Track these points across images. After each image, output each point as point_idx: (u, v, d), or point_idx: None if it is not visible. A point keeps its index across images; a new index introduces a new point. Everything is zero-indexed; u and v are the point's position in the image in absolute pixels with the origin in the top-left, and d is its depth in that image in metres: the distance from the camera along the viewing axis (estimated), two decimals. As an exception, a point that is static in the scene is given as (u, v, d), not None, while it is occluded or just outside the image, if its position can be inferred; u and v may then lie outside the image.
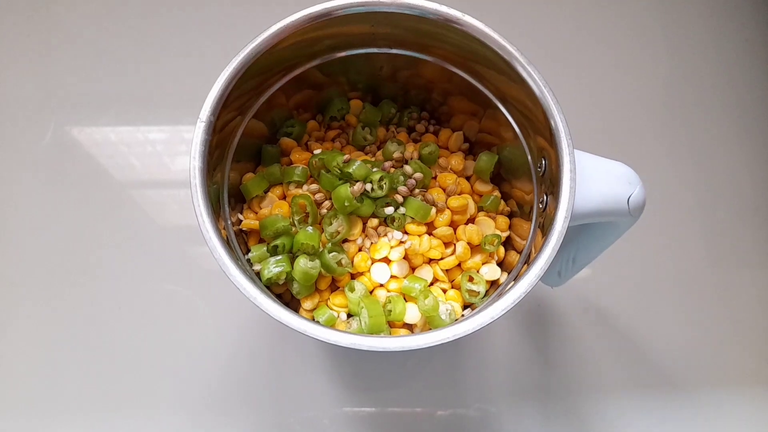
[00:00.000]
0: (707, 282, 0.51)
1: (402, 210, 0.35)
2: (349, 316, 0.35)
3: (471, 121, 0.40)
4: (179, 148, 0.56)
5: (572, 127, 0.30)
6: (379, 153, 0.39)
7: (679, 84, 0.58)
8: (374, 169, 0.35)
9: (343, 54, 0.37)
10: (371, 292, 0.35)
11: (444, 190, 0.37)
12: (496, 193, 0.38)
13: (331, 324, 0.34)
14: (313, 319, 0.34)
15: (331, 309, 0.34)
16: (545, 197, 0.32)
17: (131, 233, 0.52)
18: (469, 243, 0.36)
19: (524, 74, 0.31)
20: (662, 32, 0.60)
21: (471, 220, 0.37)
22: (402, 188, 0.35)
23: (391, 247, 0.35)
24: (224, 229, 0.33)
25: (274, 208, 0.36)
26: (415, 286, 0.34)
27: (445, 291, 0.36)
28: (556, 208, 0.29)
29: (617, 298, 0.51)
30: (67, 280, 0.51)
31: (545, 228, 0.31)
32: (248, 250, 0.35)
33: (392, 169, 0.37)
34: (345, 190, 0.33)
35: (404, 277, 0.35)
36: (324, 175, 0.35)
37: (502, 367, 0.49)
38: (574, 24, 0.61)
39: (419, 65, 0.38)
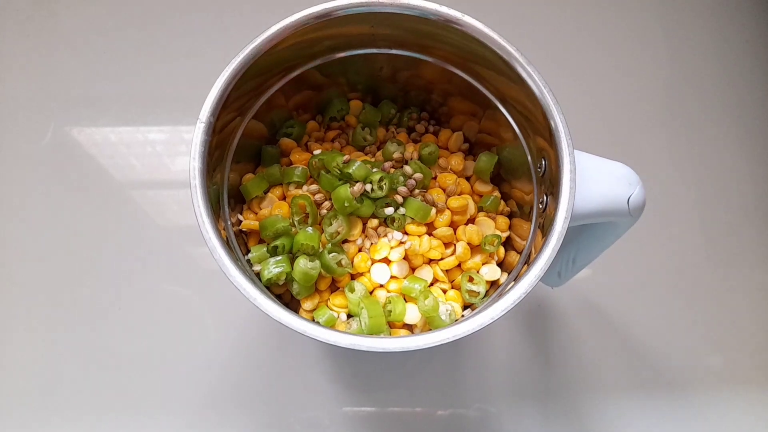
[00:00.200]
0: (707, 282, 0.51)
1: (402, 210, 0.35)
2: (349, 316, 0.35)
3: (471, 122, 0.40)
4: (179, 148, 0.56)
5: (572, 127, 0.30)
6: (379, 153, 0.39)
7: (678, 84, 0.58)
8: (374, 170, 0.35)
9: (342, 55, 0.37)
10: (371, 293, 0.35)
11: (444, 190, 0.37)
12: (496, 193, 0.38)
13: (331, 324, 0.34)
14: (313, 320, 0.34)
15: (331, 309, 0.34)
16: (545, 197, 0.32)
17: (131, 233, 0.52)
18: (469, 243, 0.36)
19: (524, 74, 0.31)
20: (662, 32, 0.60)
21: (471, 221, 0.37)
22: (402, 189, 0.35)
23: (391, 248, 0.35)
24: (224, 229, 0.33)
25: (273, 209, 0.36)
26: (415, 286, 0.34)
27: (445, 291, 0.36)
28: (556, 208, 0.29)
29: (617, 298, 0.51)
30: (66, 281, 0.51)
31: (545, 228, 0.31)
32: (248, 251, 0.35)
33: (392, 170, 0.37)
34: (345, 191, 0.33)
35: (404, 278, 0.35)
36: (324, 175, 0.35)
37: (502, 367, 0.49)
38: (573, 24, 0.61)
39: (419, 66, 0.37)
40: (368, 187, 0.34)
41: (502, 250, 0.37)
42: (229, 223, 0.34)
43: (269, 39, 0.32)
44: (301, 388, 0.48)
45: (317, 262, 0.33)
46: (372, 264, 0.35)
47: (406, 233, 0.35)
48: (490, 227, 0.37)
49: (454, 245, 0.36)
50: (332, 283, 0.36)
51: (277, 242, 0.34)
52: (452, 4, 0.32)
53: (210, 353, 0.49)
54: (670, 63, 0.59)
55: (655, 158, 0.55)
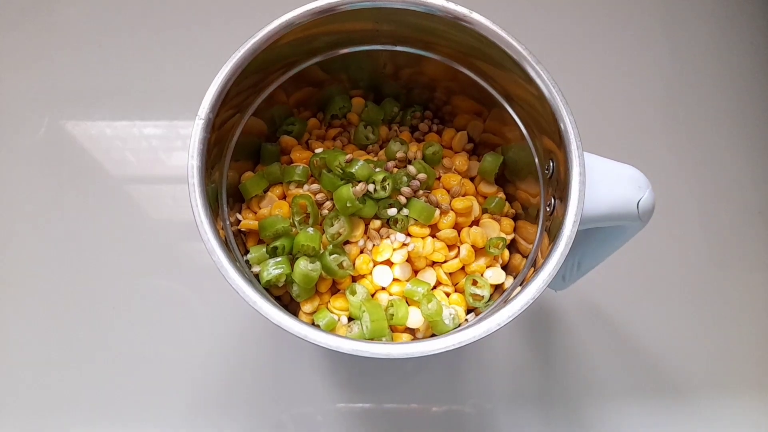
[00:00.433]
0: (710, 286, 0.51)
1: (405, 211, 0.34)
2: (350, 319, 0.34)
3: (475, 121, 0.39)
4: (175, 143, 0.55)
5: (579, 127, 0.29)
6: (382, 152, 0.38)
7: (683, 86, 0.58)
8: (377, 170, 0.34)
9: (345, 51, 0.36)
10: (373, 296, 0.35)
11: (448, 191, 0.36)
12: (501, 194, 0.38)
13: (331, 328, 0.33)
14: (313, 323, 0.33)
15: (332, 312, 0.34)
16: (553, 200, 0.31)
17: (126, 229, 0.52)
18: (473, 246, 0.35)
19: (533, 74, 0.31)
20: (667, 35, 0.60)
21: (475, 223, 0.37)
22: (405, 189, 0.34)
23: (394, 250, 0.34)
24: (222, 229, 0.32)
25: (273, 209, 0.35)
26: (418, 289, 0.33)
27: (448, 295, 0.35)
28: (564, 212, 0.28)
29: (619, 301, 0.50)
30: (60, 276, 0.50)
31: (552, 232, 0.30)
32: (247, 251, 0.34)
33: (395, 170, 0.36)
34: (347, 191, 0.33)
35: (407, 281, 0.35)
36: (325, 174, 0.35)
37: (500, 366, 0.48)
38: (579, 24, 0.61)
39: (423, 63, 0.37)
40: (371, 187, 0.33)
41: (506, 253, 0.37)
42: (227, 222, 0.34)
43: (270, 34, 0.31)
44: (294, 385, 0.47)
45: (318, 264, 0.33)
46: (374, 266, 0.35)
47: (409, 235, 0.35)
48: (494, 229, 0.36)
49: (458, 248, 0.35)
50: (333, 285, 0.35)
51: (277, 243, 0.33)
52: (458, 0, 0.31)
53: (204, 349, 0.48)
54: (675, 65, 0.59)
55: (658, 160, 0.55)
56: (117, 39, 0.59)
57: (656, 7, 0.61)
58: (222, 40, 0.54)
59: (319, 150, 0.37)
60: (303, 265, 0.32)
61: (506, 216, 0.38)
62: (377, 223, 0.35)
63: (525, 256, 0.35)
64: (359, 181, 0.33)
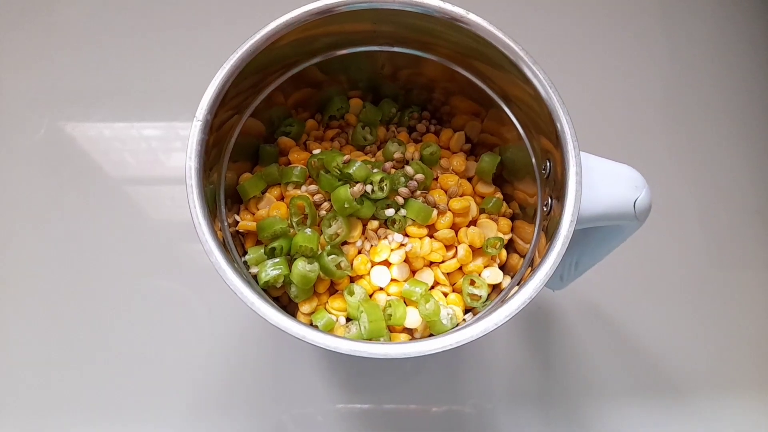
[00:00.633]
0: (709, 285, 0.51)
1: (403, 212, 0.34)
2: (348, 320, 0.34)
3: (473, 121, 0.39)
4: (174, 144, 0.55)
5: (576, 127, 0.29)
6: (379, 153, 0.38)
7: (682, 86, 0.58)
8: (374, 170, 0.34)
9: (343, 52, 0.36)
10: (371, 296, 0.35)
11: (446, 191, 0.36)
12: (499, 195, 0.38)
13: (329, 328, 0.33)
14: (312, 324, 0.33)
15: (330, 313, 0.34)
16: (550, 200, 0.31)
17: (126, 229, 0.52)
18: (470, 246, 0.35)
19: (529, 74, 0.31)
20: (666, 35, 0.60)
21: (473, 223, 0.37)
22: (403, 190, 0.34)
23: (392, 250, 0.34)
24: (220, 230, 0.33)
25: (271, 210, 0.35)
26: (416, 289, 0.33)
27: (446, 295, 0.35)
28: (561, 212, 0.28)
29: (618, 300, 0.50)
30: (60, 277, 0.50)
31: (550, 232, 0.30)
32: (245, 252, 0.34)
33: (393, 170, 0.36)
34: (345, 192, 0.33)
35: (405, 281, 0.35)
36: (323, 175, 0.35)
37: (499, 366, 0.48)
38: (576, 24, 0.61)
39: (421, 64, 0.37)
40: (368, 188, 0.33)
41: (504, 253, 0.37)
42: (225, 223, 0.34)
43: (269, 35, 0.31)
44: (294, 385, 0.47)
45: (316, 265, 0.33)
46: (372, 266, 0.35)
47: (406, 235, 0.35)
48: (492, 230, 0.36)
49: (456, 248, 0.35)
50: (331, 285, 0.35)
51: (275, 244, 0.33)
52: (456, 1, 0.32)
53: (204, 349, 0.48)
54: (673, 65, 0.59)
55: (656, 160, 0.55)
56: (116, 40, 0.59)
57: (654, 7, 0.61)
58: (221, 41, 0.53)
59: (317, 151, 0.37)
60: (301, 265, 0.32)
61: (504, 216, 0.38)
62: (375, 223, 0.35)
63: (522, 256, 0.35)
64: (357, 182, 0.33)
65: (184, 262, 0.51)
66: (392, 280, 0.35)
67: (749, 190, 0.54)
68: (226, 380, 0.47)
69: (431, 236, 0.35)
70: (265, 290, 0.33)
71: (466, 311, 0.35)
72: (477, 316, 0.33)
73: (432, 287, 0.35)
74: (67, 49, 0.58)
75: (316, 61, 0.36)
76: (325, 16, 0.32)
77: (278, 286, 0.33)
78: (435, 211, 0.35)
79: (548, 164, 0.32)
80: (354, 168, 0.33)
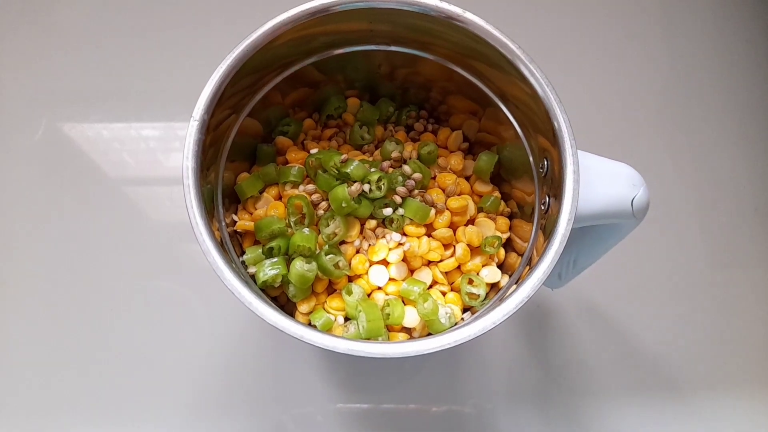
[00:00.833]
0: (707, 284, 0.51)
1: (400, 211, 0.34)
2: (347, 319, 0.34)
3: (470, 120, 0.39)
4: (173, 144, 0.55)
5: (573, 126, 0.29)
6: (377, 152, 0.38)
7: (679, 84, 0.58)
8: (372, 170, 0.34)
9: (340, 51, 0.36)
10: (369, 295, 0.35)
11: (443, 190, 0.36)
12: (496, 193, 0.38)
13: (327, 328, 0.33)
14: (310, 323, 0.33)
15: (328, 312, 0.34)
16: (547, 199, 0.31)
17: (125, 230, 0.52)
18: (468, 245, 0.35)
19: (526, 73, 0.31)
20: (663, 32, 0.60)
21: (471, 222, 0.37)
22: (401, 189, 0.34)
23: (390, 249, 0.34)
24: (218, 230, 0.33)
25: (269, 209, 0.35)
26: (414, 289, 0.33)
27: (444, 294, 0.35)
28: (559, 210, 0.28)
29: (617, 299, 0.50)
30: (60, 277, 0.50)
31: (547, 230, 0.30)
32: (243, 252, 0.34)
33: (390, 169, 0.36)
34: (342, 191, 0.33)
35: (403, 280, 0.35)
36: (321, 175, 0.35)
37: (499, 366, 0.48)
38: (573, 22, 0.60)
39: (418, 63, 0.37)
40: (366, 187, 0.33)
41: (502, 251, 0.37)
42: (223, 223, 0.34)
43: (265, 35, 0.31)
44: (293, 385, 0.47)
45: (314, 264, 0.33)
46: (370, 266, 0.35)
47: (404, 234, 0.35)
48: (490, 228, 0.36)
49: (454, 247, 0.35)
50: (329, 285, 0.35)
51: (273, 243, 0.33)
52: (452, 0, 0.32)
53: (204, 350, 0.48)
54: (670, 63, 0.59)
55: (654, 159, 0.55)
56: (115, 40, 0.59)
57: (652, 5, 0.61)
58: (219, 41, 0.53)
59: (314, 150, 0.37)
60: (299, 265, 0.32)
61: (501, 215, 0.38)
62: (373, 223, 0.35)
63: (520, 255, 0.35)
64: (355, 181, 0.33)
65: (183, 262, 0.51)
66: (390, 279, 0.35)
67: (747, 188, 0.54)
68: (225, 380, 0.47)
69: (429, 235, 0.35)
70: (263, 290, 0.33)
71: (464, 310, 0.35)
72: (475, 315, 0.33)
73: (430, 286, 0.35)
74: (65, 50, 0.58)
75: (313, 61, 0.36)
76: (321, 15, 0.32)
77: (276, 285, 0.33)
78: (433, 210, 0.35)
79: (546, 163, 0.32)
80: (352, 167, 0.33)
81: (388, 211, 0.34)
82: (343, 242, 0.35)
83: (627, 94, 0.57)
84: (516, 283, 0.32)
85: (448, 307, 0.34)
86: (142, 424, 0.46)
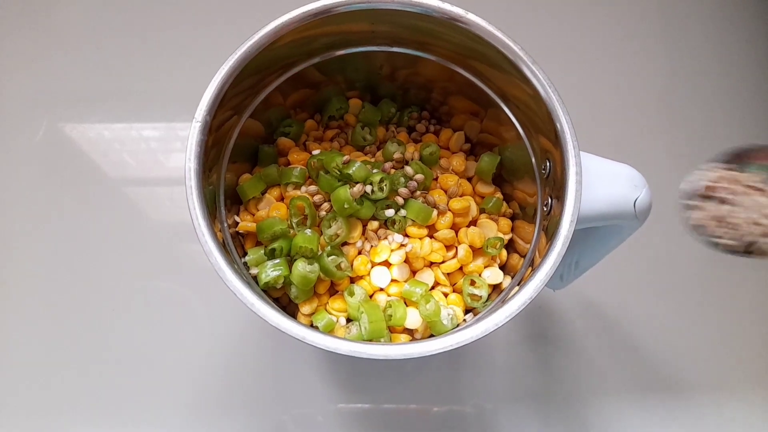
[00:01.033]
0: (709, 285, 0.51)
1: (403, 212, 0.34)
2: (349, 320, 0.34)
3: (472, 121, 0.39)
4: (174, 145, 0.55)
5: (575, 127, 0.29)
6: (379, 153, 0.38)
7: (680, 85, 0.58)
8: (374, 171, 0.34)
9: (341, 52, 0.36)
10: (371, 297, 0.35)
11: (445, 191, 0.36)
12: (498, 194, 0.38)
13: (330, 329, 0.33)
14: (312, 325, 0.33)
15: (330, 314, 0.34)
16: (550, 200, 0.31)
17: (126, 230, 0.52)
18: (470, 246, 0.35)
19: (529, 74, 0.31)
20: (664, 33, 0.60)
21: (473, 223, 0.37)
22: (403, 190, 0.34)
23: (392, 251, 0.34)
24: (220, 231, 0.32)
25: (271, 210, 0.35)
26: (416, 290, 0.33)
27: (446, 295, 0.35)
28: (561, 211, 0.28)
29: (618, 300, 0.50)
30: (60, 277, 0.50)
31: (550, 232, 0.30)
32: (245, 253, 0.34)
33: (392, 170, 0.36)
34: (344, 192, 0.33)
35: (405, 281, 0.35)
36: (323, 176, 0.35)
37: (500, 366, 0.48)
38: (576, 24, 0.60)
39: (419, 64, 0.37)
40: (368, 188, 0.33)
41: (504, 253, 0.37)
42: (225, 224, 0.34)
43: (267, 36, 0.31)
44: (294, 385, 0.47)
45: (316, 265, 0.33)
46: (372, 267, 0.35)
47: (406, 235, 0.35)
48: (492, 229, 0.36)
49: (456, 248, 0.35)
50: (331, 286, 0.35)
51: (275, 245, 0.33)
52: (454, 1, 0.31)
53: (204, 350, 0.48)
54: (670, 63, 0.59)
55: (656, 160, 0.55)
56: (115, 41, 0.59)
57: (652, 6, 0.61)
58: (220, 41, 0.53)
59: (316, 151, 0.37)
60: (301, 266, 0.32)
61: (504, 216, 0.38)
62: (375, 224, 0.35)
63: (523, 256, 0.35)
64: (357, 183, 0.33)
65: (183, 262, 0.51)
66: (392, 280, 0.35)
67: (749, 188, 0.54)
68: (225, 380, 0.47)
69: (431, 236, 0.35)
70: (265, 291, 0.33)
71: (466, 311, 0.35)
72: (477, 316, 0.33)
73: (432, 288, 0.35)
74: (66, 50, 0.58)
75: (315, 62, 0.36)
76: (323, 16, 0.32)
77: (278, 287, 0.33)
78: (435, 212, 0.35)
79: (548, 164, 0.32)
80: (354, 168, 0.33)
81: (390, 213, 0.34)
82: (345, 243, 0.35)
83: (629, 94, 0.57)
84: (518, 285, 0.32)
85: (450, 308, 0.34)
86: (142, 424, 0.46)
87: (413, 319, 0.33)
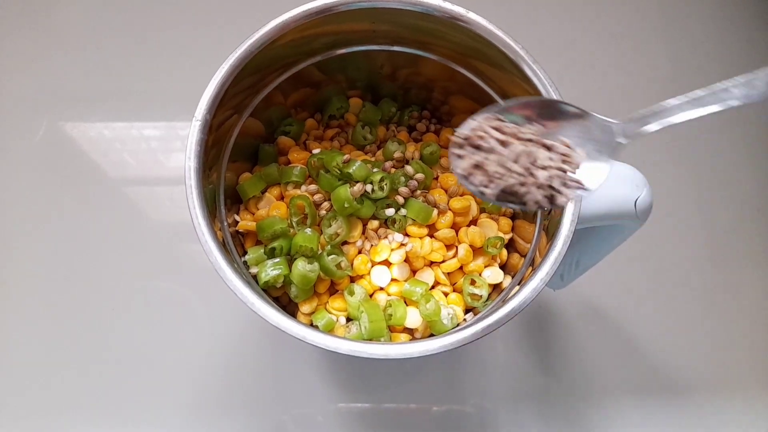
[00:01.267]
0: (710, 285, 0.51)
1: (403, 212, 0.34)
2: (349, 320, 0.34)
3: (473, 121, 0.39)
4: (174, 144, 0.55)
5: (577, 127, 0.29)
6: (379, 153, 0.38)
7: (680, 85, 0.58)
8: (374, 170, 0.34)
9: (342, 51, 0.36)
10: (371, 296, 0.35)
11: (446, 191, 0.36)
12: (499, 194, 0.38)
13: (329, 328, 0.33)
14: (312, 324, 0.33)
15: (330, 313, 0.34)
16: (550, 200, 0.31)
17: (126, 230, 0.52)
18: (471, 245, 0.35)
19: (529, 73, 0.31)
20: (664, 33, 0.60)
21: (473, 222, 0.37)
22: (403, 189, 0.34)
23: (392, 250, 0.34)
24: (220, 230, 0.32)
25: (271, 209, 0.35)
26: (416, 289, 0.33)
27: (446, 294, 0.35)
28: (562, 211, 0.28)
29: (619, 300, 0.50)
30: (60, 277, 0.50)
31: (550, 231, 0.30)
32: (245, 252, 0.34)
33: (393, 170, 0.36)
34: (345, 191, 0.33)
35: (405, 281, 0.35)
36: (323, 175, 0.34)
37: (500, 366, 0.48)
38: (576, 24, 0.60)
39: (420, 63, 0.37)
40: (369, 187, 0.33)
41: (504, 252, 0.37)
42: (225, 223, 0.34)
43: (268, 34, 0.31)
44: (294, 385, 0.47)
45: (316, 265, 0.33)
46: (372, 266, 0.35)
47: (407, 235, 0.35)
48: (492, 229, 0.36)
49: (456, 247, 0.35)
50: (331, 285, 0.35)
51: (275, 244, 0.33)
52: (455, 0, 0.31)
53: (204, 350, 0.48)
54: (673, 64, 0.59)
55: (656, 160, 0.55)
56: (115, 40, 0.58)
57: (652, 6, 0.61)
58: (220, 40, 0.54)
59: (316, 150, 0.37)
60: (301, 265, 0.32)
61: (504, 215, 0.37)
62: (375, 223, 0.35)
63: (523, 256, 0.35)
64: (357, 182, 0.33)
65: (183, 262, 0.51)
66: (392, 279, 0.35)
67: (751, 188, 0.54)
68: (225, 380, 0.47)
69: (431, 236, 0.35)
70: (265, 290, 0.33)
71: (466, 311, 0.35)
72: (478, 315, 0.33)
73: (432, 287, 0.35)
74: (66, 50, 0.58)
75: (315, 61, 0.36)
76: (323, 15, 0.32)
77: (278, 286, 0.33)
78: (435, 211, 0.35)
79: (548, 163, 0.32)
80: (354, 167, 0.33)
81: (390, 212, 0.34)
82: (345, 243, 0.35)
83: (629, 94, 0.57)
84: (519, 284, 0.32)
85: (450, 307, 0.34)
86: (142, 424, 0.46)
87: (413, 318, 0.33)
